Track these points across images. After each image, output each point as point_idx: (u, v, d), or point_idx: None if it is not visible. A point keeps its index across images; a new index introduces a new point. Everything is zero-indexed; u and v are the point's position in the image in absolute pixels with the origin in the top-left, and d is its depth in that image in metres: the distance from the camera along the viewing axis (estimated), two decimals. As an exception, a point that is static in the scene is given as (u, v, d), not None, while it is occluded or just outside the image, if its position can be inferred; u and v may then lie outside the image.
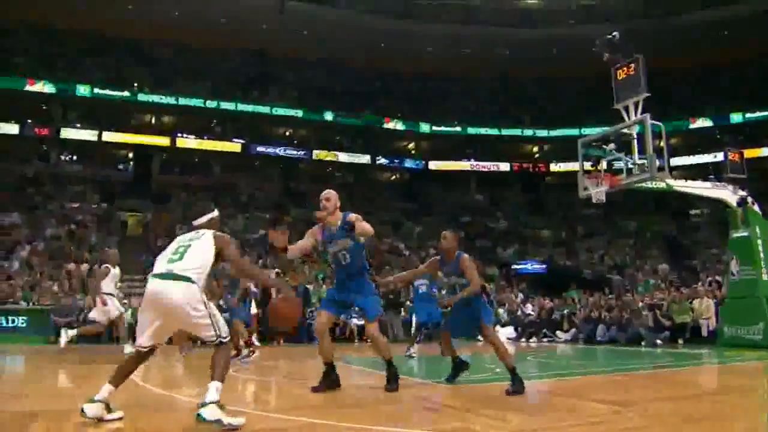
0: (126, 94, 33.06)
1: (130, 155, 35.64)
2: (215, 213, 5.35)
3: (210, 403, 4.24)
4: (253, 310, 13.76)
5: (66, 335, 11.52)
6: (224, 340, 4.66)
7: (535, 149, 41.77)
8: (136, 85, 33.75)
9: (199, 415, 4.19)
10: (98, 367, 9.56)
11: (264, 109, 35.28)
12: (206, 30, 34.02)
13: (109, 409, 4.47)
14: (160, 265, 4.71)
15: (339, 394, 6.24)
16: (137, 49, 35.07)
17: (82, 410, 4.36)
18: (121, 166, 35.62)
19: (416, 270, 8.20)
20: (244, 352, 10.97)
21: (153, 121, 35.51)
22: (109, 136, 33.14)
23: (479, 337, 8.12)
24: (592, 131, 14.71)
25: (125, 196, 31.50)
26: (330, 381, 6.34)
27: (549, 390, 7.26)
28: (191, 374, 9.07)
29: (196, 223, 5.22)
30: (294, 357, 13.15)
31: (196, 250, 4.75)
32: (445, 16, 37.32)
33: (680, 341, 15.20)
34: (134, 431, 4.36)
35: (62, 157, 34.00)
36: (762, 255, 13.35)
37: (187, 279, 4.56)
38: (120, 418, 4.51)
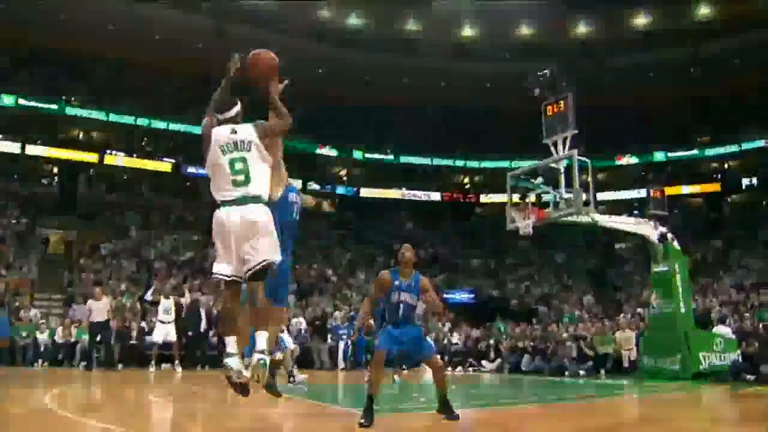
0: (54, 107, 32.05)
1: (56, 170, 34.52)
2: (239, 103, 5.26)
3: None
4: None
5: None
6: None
7: (467, 180, 42.38)
8: (64, 98, 32.82)
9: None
10: None
11: (197, 130, 34.54)
12: (143, 48, 33.39)
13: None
14: (224, 188, 4.66)
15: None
16: (72, 62, 34.06)
17: (227, 365, 4.53)
18: (45, 181, 34.47)
19: (371, 297, 7.11)
20: (300, 377, 10.85)
21: (81, 136, 34.54)
22: (33, 150, 31.97)
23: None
24: (523, 164, 15.03)
25: (49, 212, 30.42)
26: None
27: (476, 420, 7.31)
28: (109, 398, 8.78)
29: (224, 117, 5.09)
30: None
31: (256, 164, 4.76)
32: (385, 46, 37.69)
33: (602, 372, 15.54)
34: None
35: (-21, 170, 32.65)
36: (680, 289, 13.81)
37: (263, 201, 4.69)
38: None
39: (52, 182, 34.45)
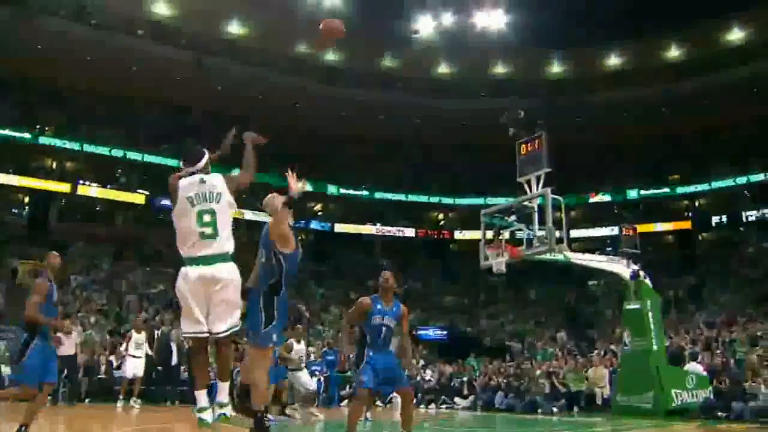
0: (27, 135, 31.76)
1: (27, 200, 34.06)
2: (207, 153, 5.07)
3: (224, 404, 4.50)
4: None
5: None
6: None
7: (441, 216, 42.54)
8: (38, 127, 32.55)
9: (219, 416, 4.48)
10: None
11: (172, 162, 34.48)
12: (121, 79, 33.35)
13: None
14: (191, 242, 4.49)
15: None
16: (48, 92, 33.78)
17: (200, 420, 4.52)
18: (15, 210, 33.97)
19: (349, 321, 7.10)
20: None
21: (54, 165, 34.21)
22: (4, 179, 31.53)
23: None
24: (497, 201, 15.16)
25: (18, 242, 29.93)
26: None
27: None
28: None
29: (194, 168, 4.89)
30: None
31: (224, 216, 4.61)
32: (362, 82, 37.98)
33: (575, 409, 15.52)
34: None
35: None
36: (652, 326, 13.88)
37: (230, 258, 4.55)
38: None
39: (23, 211, 33.97)
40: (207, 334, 4.49)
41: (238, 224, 37.05)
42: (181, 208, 4.54)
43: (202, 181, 4.66)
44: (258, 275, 5.75)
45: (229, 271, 4.46)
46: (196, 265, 4.40)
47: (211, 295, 4.38)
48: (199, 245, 4.44)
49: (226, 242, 4.51)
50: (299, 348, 12.47)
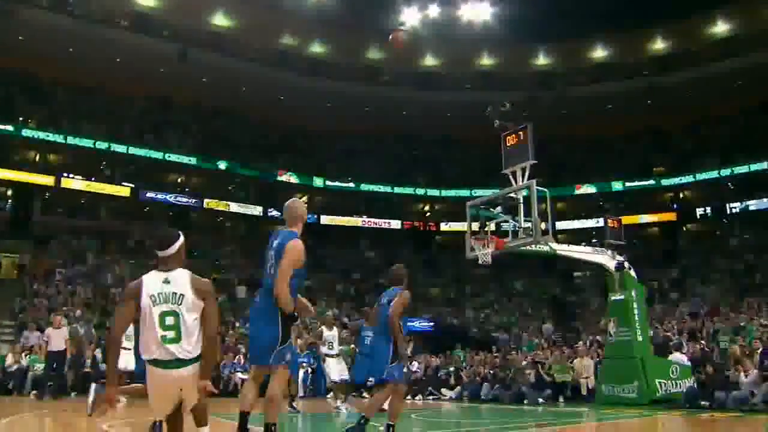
0: (10, 128, 31.38)
1: (10, 193, 33.70)
2: (181, 237, 4.44)
3: None
4: None
5: None
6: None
7: (427, 208, 42.58)
8: (21, 119, 32.20)
9: None
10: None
11: (157, 155, 34.33)
12: (105, 71, 33.09)
13: None
14: (152, 346, 4.11)
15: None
16: (31, 84, 33.45)
17: None
18: (-2, 203, 33.64)
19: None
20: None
21: (37, 158, 33.85)
22: (-14, 172, 31.24)
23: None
24: (484, 193, 15.17)
25: (1, 235, 29.64)
26: None
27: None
28: (63, 428, 8.52)
29: (163, 254, 4.34)
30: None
31: (189, 318, 4.16)
32: (348, 74, 37.91)
33: (561, 399, 15.62)
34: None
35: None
36: (637, 317, 13.98)
37: (195, 361, 4.14)
38: None
39: (5, 205, 33.61)
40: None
41: (223, 216, 37.13)
42: (144, 306, 4.16)
43: (166, 281, 4.22)
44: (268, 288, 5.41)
45: (191, 374, 4.14)
46: (158, 368, 4.12)
47: (175, 395, 4.19)
48: (161, 349, 4.10)
49: (189, 346, 4.13)
50: (330, 334, 12.50)
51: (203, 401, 4.29)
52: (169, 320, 4.12)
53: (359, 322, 15.48)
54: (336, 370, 12.50)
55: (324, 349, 12.44)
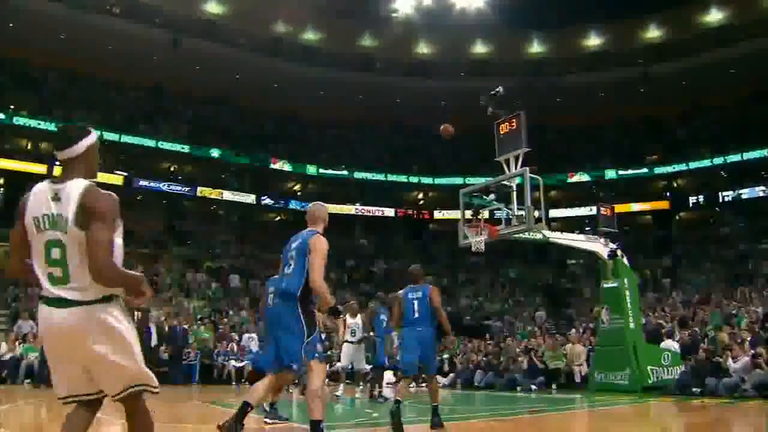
0: (1, 116, 31.18)
1: (1, 181, 33.52)
2: (91, 135, 3.37)
3: None
4: None
5: None
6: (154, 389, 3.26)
7: (420, 196, 42.58)
8: (12, 107, 31.99)
9: None
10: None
11: (150, 143, 34.20)
12: (97, 59, 32.90)
13: None
14: (42, 281, 3.05)
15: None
16: (22, 72, 33.24)
17: None
18: (-11, 192, 33.43)
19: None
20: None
21: (29, 146, 33.66)
22: (-23, 160, 31.09)
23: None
24: (477, 181, 15.15)
25: (-7, 225, 29.49)
26: None
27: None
28: (59, 417, 8.52)
29: (61, 156, 3.24)
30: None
31: (80, 250, 3.02)
32: (341, 62, 37.80)
33: (554, 386, 15.70)
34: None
35: None
36: (629, 304, 14.05)
37: (94, 302, 3.01)
38: None
39: (-3, 193, 33.43)
40: (73, 398, 3.16)
41: (216, 204, 36.97)
42: (30, 231, 3.11)
43: (56, 197, 3.07)
44: (291, 283, 5.41)
45: (99, 324, 3.01)
46: (49, 306, 3.03)
47: (72, 357, 3.05)
48: (50, 289, 3.02)
49: (81, 288, 3.01)
50: (354, 322, 12.57)
51: (143, 411, 3.27)
52: (55, 253, 3.02)
53: (371, 306, 15.58)
54: (349, 356, 12.61)
55: (347, 336, 12.52)
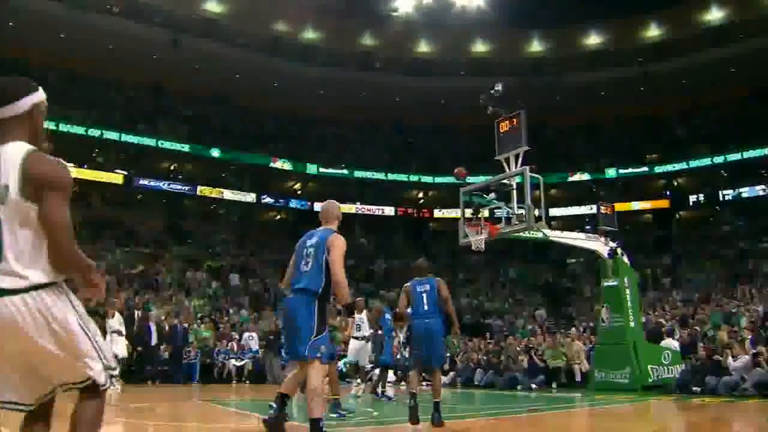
0: (0, 116, 31.15)
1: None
2: (37, 92, 3.03)
3: None
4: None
5: None
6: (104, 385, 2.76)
7: (420, 195, 42.57)
8: (8, 107, 31.92)
9: None
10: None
11: (150, 142, 34.18)
12: (96, 59, 32.85)
13: None
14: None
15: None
16: (21, 71, 33.00)
17: None
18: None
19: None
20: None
21: (28, 146, 33.63)
22: (-24, 161, 30.99)
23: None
24: (477, 180, 15.12)
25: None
26: None
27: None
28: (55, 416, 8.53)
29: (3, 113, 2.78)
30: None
31: (13, 226, 2.63)
32: (341, 61, 37.79)
33: (554, 385, 15.70)
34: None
35: None
36: (629, 303, 14.04)
37: (31, 289, 2.59)
38: None
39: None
40: (14, 406, 2.78)
41: (216, 203, 37.04)
42: None
43: None
44: (312, 281, 5.55)
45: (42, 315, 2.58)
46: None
47: (12, 352, 2.61)
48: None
49: (21, 270, 2.59)
50: (360, 317, 12.57)
51: (91, 413, 2.80)
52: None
53: (378, 305, 15.56)
54: (355, 351, 12.58)
55: (353, 332, 12.52)
